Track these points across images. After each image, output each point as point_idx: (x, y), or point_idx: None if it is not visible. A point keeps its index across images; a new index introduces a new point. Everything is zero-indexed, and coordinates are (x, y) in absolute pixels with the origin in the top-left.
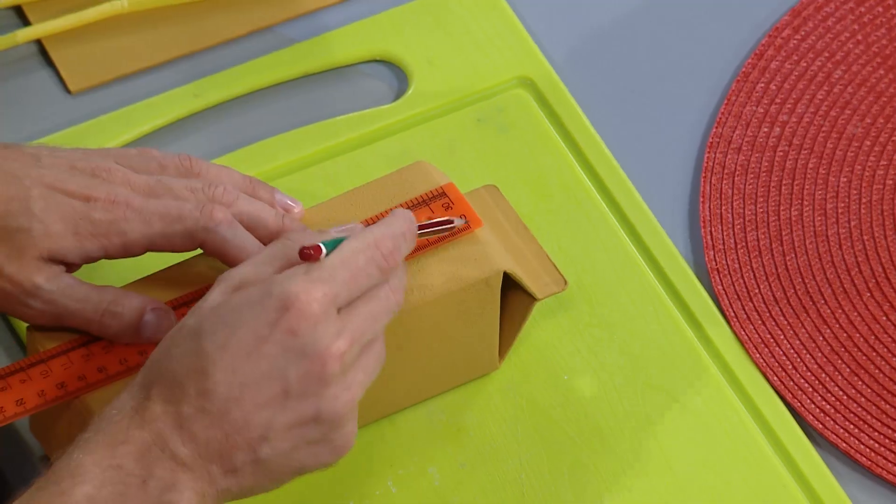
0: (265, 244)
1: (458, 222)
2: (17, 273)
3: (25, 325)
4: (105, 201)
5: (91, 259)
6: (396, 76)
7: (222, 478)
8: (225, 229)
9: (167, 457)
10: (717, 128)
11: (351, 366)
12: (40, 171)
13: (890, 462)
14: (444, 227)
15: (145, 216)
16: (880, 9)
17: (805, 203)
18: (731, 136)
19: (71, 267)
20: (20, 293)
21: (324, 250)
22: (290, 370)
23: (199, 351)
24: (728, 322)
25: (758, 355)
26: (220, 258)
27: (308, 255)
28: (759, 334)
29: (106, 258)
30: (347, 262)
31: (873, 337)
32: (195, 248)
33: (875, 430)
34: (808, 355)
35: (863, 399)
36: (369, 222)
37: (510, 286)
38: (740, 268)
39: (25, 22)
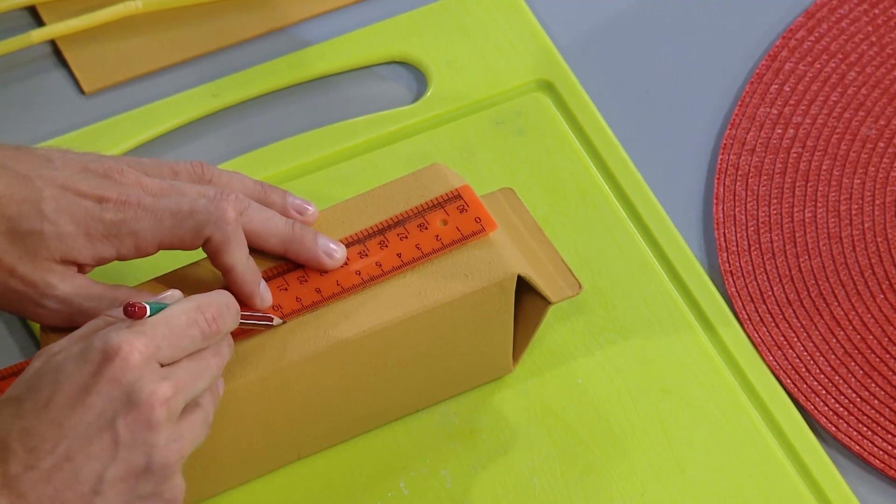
0: (277, 253)
1: (276, 322)
2: (30, 273)
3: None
4: (117, 202)
5: (104, 260)
6: (415, 78)
7: None
8: (233, 229)
9: None
10: (730, 129)
11: (177, 417)
12: (52, 172)
13: None
14: (261, 322)
15: (156, 213)
16: (894, 10)
17: (819, 205)
18: (745, 138)
19: (83, 268)
20: (35, 294)
21: (147, 309)
22: (118, 419)
23: (22, 412)
24: (741, 324)
25: (771, 358)
26: (217, 258)
27: (132, 312)
28: (772, 337)
29: (119, 259)
30: (169, 321)
31: (887, 339)
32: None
33: (889, 432)
34: (821, 357)
35: (876, 402)
36: (380, 226)
37: (525, 289)
38: (754, 270)
39: (39, 22)
